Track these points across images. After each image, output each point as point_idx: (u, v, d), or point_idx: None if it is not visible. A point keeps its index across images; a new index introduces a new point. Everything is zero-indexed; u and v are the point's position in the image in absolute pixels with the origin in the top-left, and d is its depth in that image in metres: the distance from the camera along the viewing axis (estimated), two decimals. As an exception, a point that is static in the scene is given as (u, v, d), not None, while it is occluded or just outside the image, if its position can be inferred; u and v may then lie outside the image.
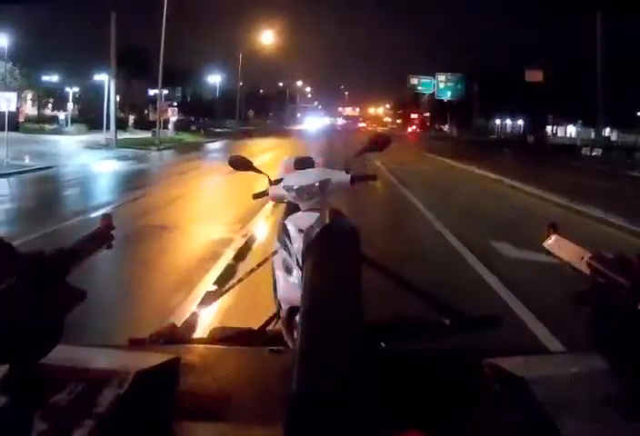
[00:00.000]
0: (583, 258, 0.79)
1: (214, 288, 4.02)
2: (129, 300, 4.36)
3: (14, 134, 14.92)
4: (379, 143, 1.83)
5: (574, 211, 9.66)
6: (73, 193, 11.59)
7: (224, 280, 4.71)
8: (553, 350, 3.28)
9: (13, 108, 15.50)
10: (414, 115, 71.46)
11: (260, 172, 1.84)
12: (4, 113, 15.36)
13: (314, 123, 69.98)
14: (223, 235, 6.77)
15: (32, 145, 18.82)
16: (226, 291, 1.88)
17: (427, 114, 64.95)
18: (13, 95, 15.40)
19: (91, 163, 16.85)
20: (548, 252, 0.91)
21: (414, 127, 63.70)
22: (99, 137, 24.84)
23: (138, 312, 3.97)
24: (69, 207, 9.36)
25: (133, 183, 13.11)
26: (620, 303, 0.69)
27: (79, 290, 0.72)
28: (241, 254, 5.75)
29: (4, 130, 14.97)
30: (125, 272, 5.16)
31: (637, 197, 11.29)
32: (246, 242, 6.37)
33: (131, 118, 35.29)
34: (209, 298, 1.91)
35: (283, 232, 1.59)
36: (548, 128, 45.51)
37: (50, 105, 36.25)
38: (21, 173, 13.50)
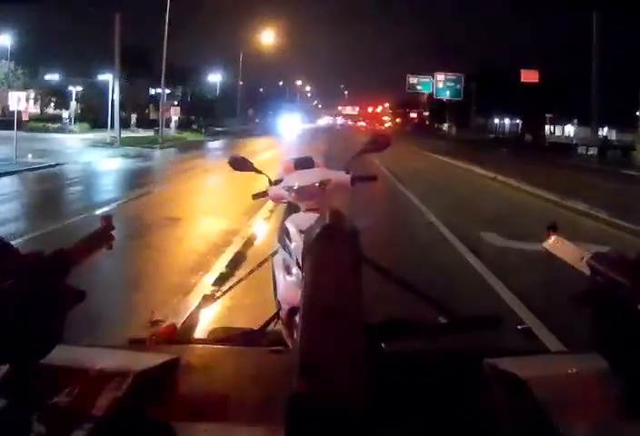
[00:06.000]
0: (583, 258, 0.79)
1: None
2: (156, 278, 4.94)
3: (19, 133, 15.24)
4: (379, 143, 1.83)
5: (561, 206, 10.24)
6: (87, 189, 12.04)
7: (235, 263, 5.25)
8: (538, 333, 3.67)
9: (22, 107, 15.87)
10: (413, 115, 72.17)
11: (260, 172, 1.83)
12: (11, 111, 15.75)
13: (292, 125, 51.61)
14: (232, 226, 7.27)
15: (38, 144, 19.08)
16: (226, 291, 1.88)
17: (426, 114, 65.38)
18: (22, 95, 15.79)
19: (98, 161, 17.28)
20: (549, 253, 0.90)
21: (389, 124, 75.65)
22: (103, 135, 25.26)
23: (165, 287, 4.62)
24: (87, 201, 9.85)
25: (143, 179, 13.54)
26: (620, 303, 0.68)
27: (79, 290, 0.72)
28: (250, 242, 6.27)
29: (11, 128, 15.28)
30: (151, 255, 5.74)
31: (620, 192, 11.91)
32: (253, 232, 6.89)
33: (133, 117, 35.52)
34: (210, 298, 1.92)
35: (283, 233, 1.59)
36: (546, 127, 45.76)
37: (52, 104, 36.53)
38: (32, 170, 13.86)
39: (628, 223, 8.08)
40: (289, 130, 45.61)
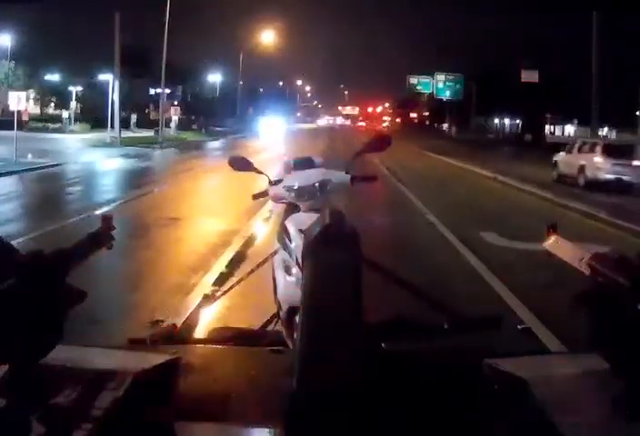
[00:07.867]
0: (582, 258, 0.79)
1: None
2: (156, 278, 4.99)
3: (19, 133, 15.23)
4: (379, 143, 1.83)
5: (560, 205, 10.41)
6: (87, 189, 12.04)
7: (234, 263, 5.25)
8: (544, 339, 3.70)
9: (22, 107, 15.90)
10: (413, 115, 72.30)
11: (260, 172, 1.83)
12: (11, 111, 15.69)
13: (289, 125, 49.00)
14: (232, 226, 7.30)
15: (38, 144, 19.03)
16: (227, 291, 1.89)
17: (426, 114, 65.46)
18: (22, 94, 15.81)
19: (98, 161, 17.30)
20: (549, 253, 0.90)
21: (386, 124, 77.33)
22: (103, 136, 25.28)
23: (165, 287, 4.66)
24: (87, 201, 9.86)
25: (143, 179, 13.56)
26: (620, 303, 0.68)
27: (79, 290, 0.72)
28: (249, 242, 6.28)
29: (11, 128, 15.24)
30: (152, 255, 5.78)
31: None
32: (252, 232, 6.89)
33: (133, 117, 35.53)
34: (210, 298, 1.92)
35: (283, 233, 1.59)
36: (546, 127, 45.76)
37: (52, 104, 36.52)
38: (32, 170, 13.83)
39: (626, 223, 8.15)
40: (285, 130, 45.62)
